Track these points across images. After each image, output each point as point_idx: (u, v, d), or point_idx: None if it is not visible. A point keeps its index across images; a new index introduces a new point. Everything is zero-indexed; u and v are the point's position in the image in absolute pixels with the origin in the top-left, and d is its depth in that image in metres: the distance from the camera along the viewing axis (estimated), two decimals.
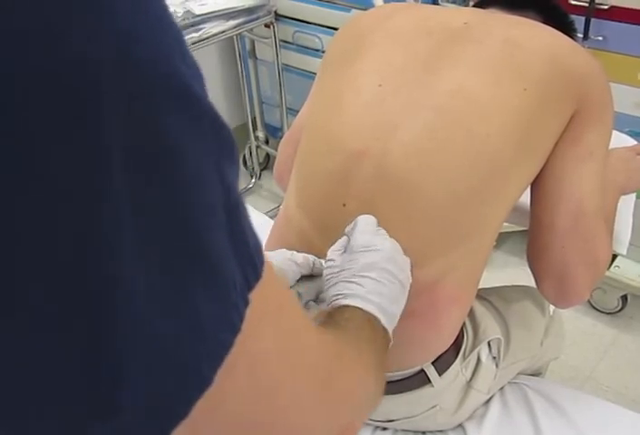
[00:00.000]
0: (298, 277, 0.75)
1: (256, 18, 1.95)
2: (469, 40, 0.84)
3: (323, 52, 2.01)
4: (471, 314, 0.94)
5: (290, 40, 2.14)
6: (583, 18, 1.50)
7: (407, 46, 0.86)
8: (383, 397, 0.69)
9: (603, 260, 0.87)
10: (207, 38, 1.83)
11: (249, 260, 0.32)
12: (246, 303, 0.31)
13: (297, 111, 1.05)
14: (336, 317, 0.59)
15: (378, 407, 0.74)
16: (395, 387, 0.87)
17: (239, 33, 2.03)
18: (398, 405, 0.89)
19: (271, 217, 1.38)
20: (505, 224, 0.88)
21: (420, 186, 0.78)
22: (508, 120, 0.79)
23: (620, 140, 1.07)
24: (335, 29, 1.00)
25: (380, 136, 0.81)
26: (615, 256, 1.77)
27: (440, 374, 0.87)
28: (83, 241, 0.24)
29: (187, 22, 1.76)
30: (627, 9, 1.48)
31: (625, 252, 1.08)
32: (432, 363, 0.86)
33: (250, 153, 2.50)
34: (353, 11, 1.88)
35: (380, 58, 0.87)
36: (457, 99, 0.80)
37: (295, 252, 0.77)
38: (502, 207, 0.83)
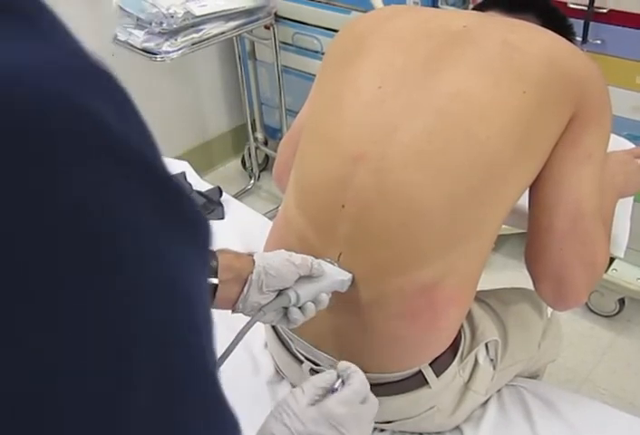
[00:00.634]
0: (297, 278, 0.76)
1: (256, 19, 1.95)
2: (468, 43, 0.84)
3: (322, 53, 2.01)
4: (469, 316, 0.94)
5: (290, 41, 2.14)
6: (582, 22, 1.50)
7: (407, 48, 0.87)
8: (380, 398, 0.70)
9: (600, 262, 0.87)
10: (207, 39, 1.83)
11: None
12: None
13: (297, 113, 1.06)
14: None
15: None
16: (393, 388, 0.87)
17: (239, 35, 2.04)
18: (395, 406, 0.89)
19: (270, 219, 1.38)
20: (504, 226, 0.88)
21: (418, 188, 0.79)
22: (507, 123, 0.79)
23: (618, 143, 1.07)
24: (335, 31, 1.01)
25: (379, 139, 0.81)
26: (612, 260, 1.77)
27: (437, 376, 0.87)
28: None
29: (187, 23, 1.76)
30: (626, 13, 1.48)
31: (622, 255, 1.08)
32: (430, 365, 0.87)
33: (249, 154, 2.50)
34: (353, 13, 1.89)
35: (380, 60, 0.87)
36: (456, 101, 0.80)
37: (293, 253, 0.77)
38: (501, 208, 0.83)
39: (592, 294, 1.84)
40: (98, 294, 0.25)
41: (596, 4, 1.49)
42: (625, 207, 1.05)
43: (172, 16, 1.71)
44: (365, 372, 0.85)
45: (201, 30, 1.81)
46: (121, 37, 1.83)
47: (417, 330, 0.83)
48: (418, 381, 0.87)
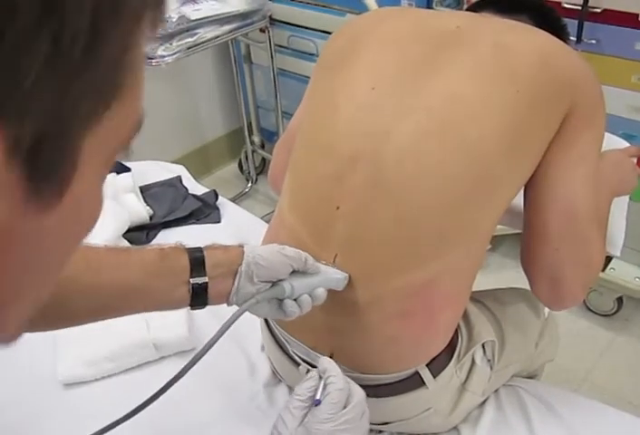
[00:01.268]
0: (290, 270, 0.76)
1: (251, 23, 1.95)
2: (461, 44, 0.84)
3: (318, 56, 2.02)
4: (466, 317, 0.94)
5: (285, 44, 2.15)
6: (576, 21, 1.50)
7: (400, 50, 0.87)
8: (377, 399, 0.70)
9: (596, 262, 0.87)
10: (202, 43, 1.83)
11: None
12: None
13: (293, 116, 1.06)
14: None
15: (373, 410, 0.74)
16: (390, 389, 0.87)
17: (234, 38, 2.04)
18: (393, 407, 0.89)
19: (267, 222, 1.38)
20: (500, 227, 0.88)
21: (412, 189, 0.79)
22: (500, 123, 0.79)
23: (613, 142, 1.07)
24: (330, 33, 1.00)
25: (372, 140, 0.81)
26: (610, 259, 1.77)
27: (434, 376, 0.87)
28: None
29: (182, 27, 1.76)
30: (620, 12, 1.48)
31: (618, 254, 1.08)
32: (427, 365, 0.87)
33: (246, 158, 2.51)
34: (348, 15, 1.89)
35: (373, 61, 0.87)
36: (450, 102, 0.80)
37: (286, 246, 0.77)
38: (496, 208, 0.83)
39: (590, 294, 1.84)
40: None
41: (590, 4, 1.50)
42: (620, 205, 1.05)
43: (167, 20, 1.71)
44: (362, 373, 0.85)
45: (196, 34, 1.82)
46: None
47: (413, 330, 0.83)
48: (415, 382, 0.87)
